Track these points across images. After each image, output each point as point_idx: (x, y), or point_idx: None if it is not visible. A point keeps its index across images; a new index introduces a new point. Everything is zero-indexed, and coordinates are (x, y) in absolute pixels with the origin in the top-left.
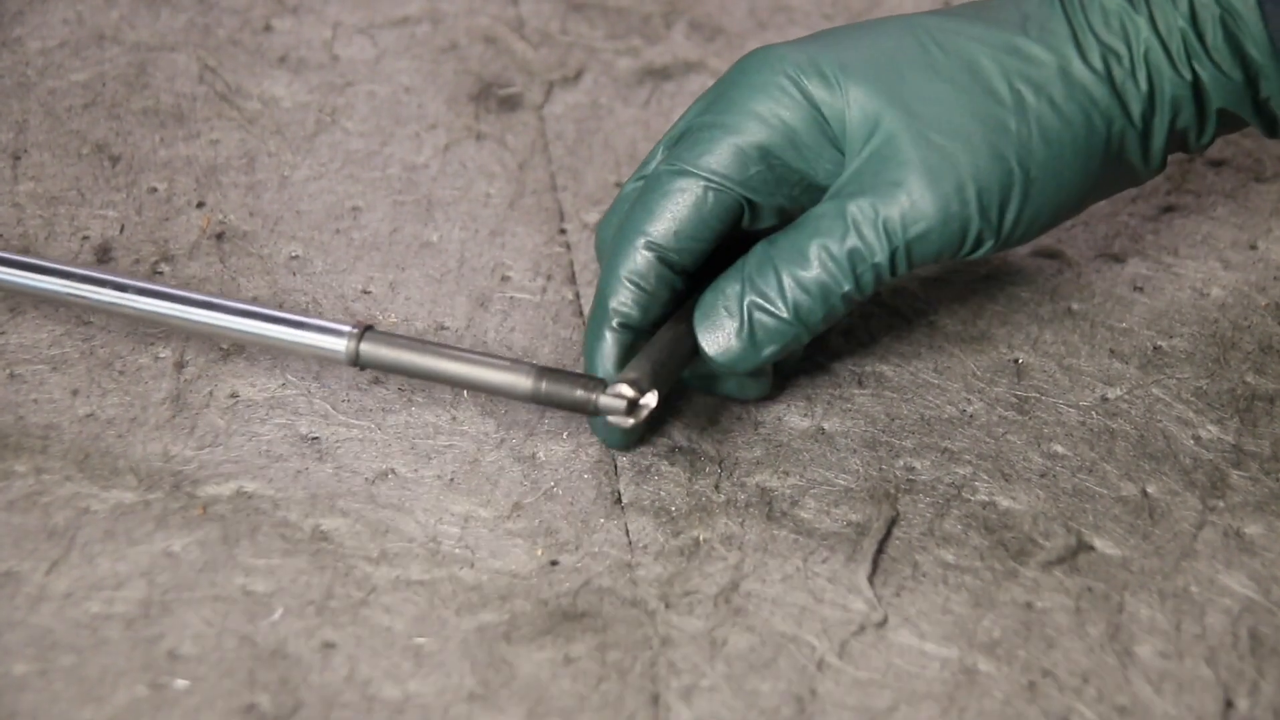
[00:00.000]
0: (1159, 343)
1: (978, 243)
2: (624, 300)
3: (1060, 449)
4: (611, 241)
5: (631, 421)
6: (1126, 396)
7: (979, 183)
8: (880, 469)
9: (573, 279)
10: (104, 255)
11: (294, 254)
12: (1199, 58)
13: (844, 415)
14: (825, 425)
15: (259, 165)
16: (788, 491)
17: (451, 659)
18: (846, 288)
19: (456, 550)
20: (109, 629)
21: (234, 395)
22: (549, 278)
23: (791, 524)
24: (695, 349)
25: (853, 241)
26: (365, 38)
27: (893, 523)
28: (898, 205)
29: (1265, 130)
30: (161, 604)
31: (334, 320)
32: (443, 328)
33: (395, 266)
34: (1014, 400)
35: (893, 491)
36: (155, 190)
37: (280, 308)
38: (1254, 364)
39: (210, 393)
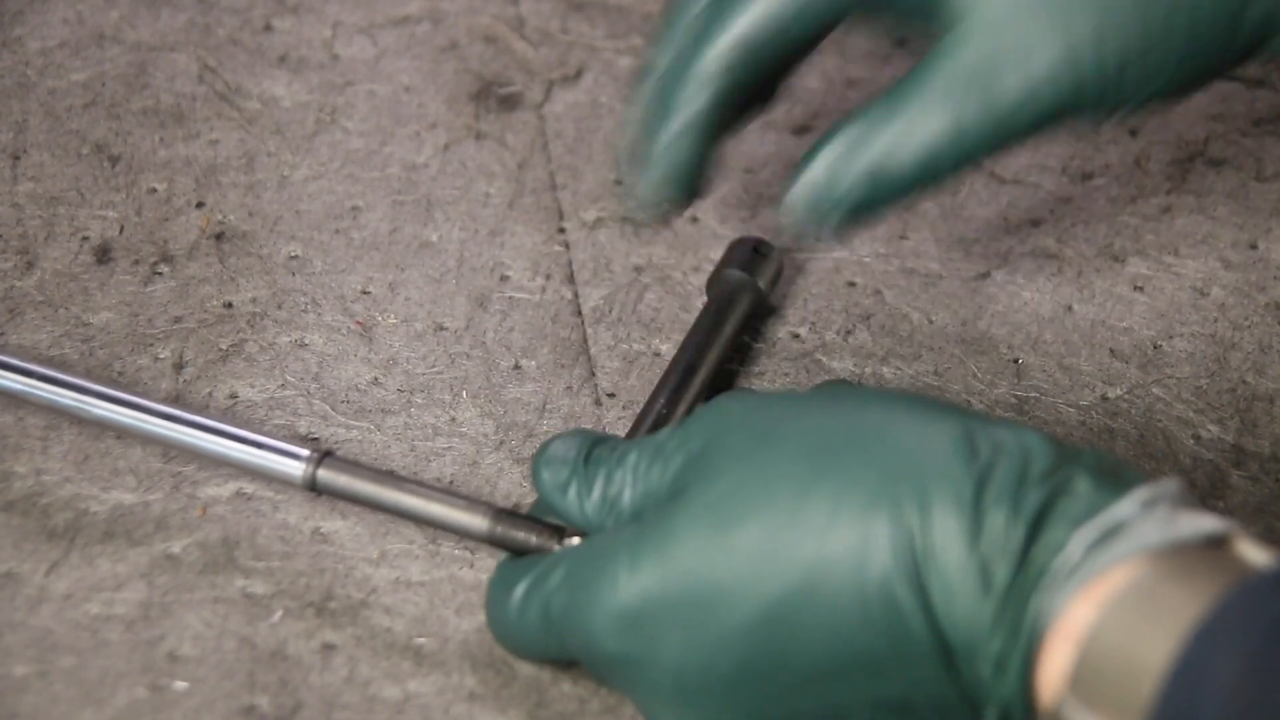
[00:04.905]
0: (1159, 342)
1: (1098, 102)
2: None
3: None
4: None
5: None
6: (1126, 396)
7: (1101, 36)
8: None
9: (571, 278)
10: (103, 256)
11: (293, 254)
12: None
13: None
14: None
15: (258, 165)
16: None
17: (452, 659)
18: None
19: (456, 551)
20: (109, 630)
21: (233, 395)
22: (548, 277)
23: None
24: None
25: (958, 114)
26: (365, 37)
27: None
28: (1025, 69)
29: None
30: (161, 605)
31: (293, 443)
32: (442, 328)
33: (395, 266)
34: (1014, 400)
35: None
36: (155, 190)
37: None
38: (1254, 364)
39: (210, 393)
